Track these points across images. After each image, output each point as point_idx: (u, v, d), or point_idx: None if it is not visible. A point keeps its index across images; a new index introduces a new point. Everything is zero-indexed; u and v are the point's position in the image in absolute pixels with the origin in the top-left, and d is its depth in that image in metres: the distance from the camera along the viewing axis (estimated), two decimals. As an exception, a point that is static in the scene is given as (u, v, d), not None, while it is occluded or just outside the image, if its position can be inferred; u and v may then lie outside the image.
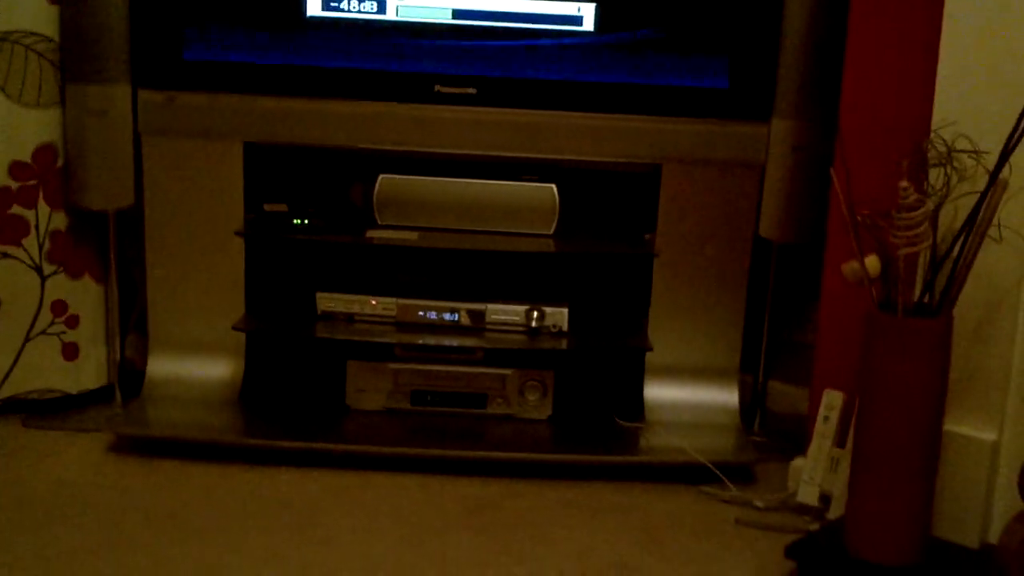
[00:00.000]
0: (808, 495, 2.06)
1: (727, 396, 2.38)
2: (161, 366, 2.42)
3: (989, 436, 1.84)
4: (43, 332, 2.38)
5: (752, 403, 2.46)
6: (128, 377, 2.48)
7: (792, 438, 2.31)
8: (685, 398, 2.38)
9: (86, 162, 2.32)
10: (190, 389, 2.39)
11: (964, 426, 1.86)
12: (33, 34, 2.26)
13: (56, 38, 2.29)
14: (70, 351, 2.42)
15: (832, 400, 2.06)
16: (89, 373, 2.46)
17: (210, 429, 2.29)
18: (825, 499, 2.04)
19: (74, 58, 2.28)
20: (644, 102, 2.29)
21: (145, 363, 2.43)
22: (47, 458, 2.23)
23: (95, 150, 2.31)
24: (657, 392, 2.39)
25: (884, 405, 1.77)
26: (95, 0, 2.24)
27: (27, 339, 2.37)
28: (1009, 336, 1.82)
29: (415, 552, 1.91)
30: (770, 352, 2.45)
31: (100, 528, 1.95)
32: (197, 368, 2.41)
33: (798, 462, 2.13)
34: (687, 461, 2.20)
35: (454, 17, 2.28)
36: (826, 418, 2.06)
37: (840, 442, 2.03)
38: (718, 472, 2.18)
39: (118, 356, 2.48)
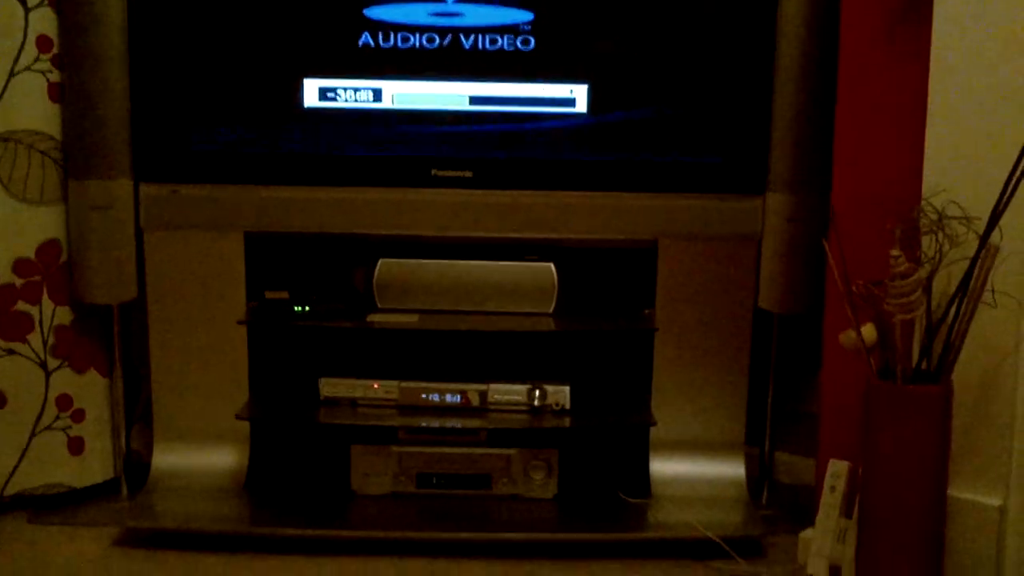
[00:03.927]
0: (817, 567, 2.04)
1: (733, 469, 2.37)
2: (166, 457, 2.42)
3: (995, 501, 1.84)
4: (48, 427, 2.39)
5: (759, 475, 2.45)
6: (135, 469, 2.48)
7: (801, 509, 2.29)
8: (691, 472, 2.37)
9: (89, 257, 2.34)
10: (196, 479, 2.39)
11: (969, 491, 1.86)
12: (36, 133, 2.30)
13: (58, 136, 2.32)
14: (76, 445, 2.42)
15: (838, 470, 2.05)
16: (95, 467, 2.46)
17: (216, 519, 2.28)
18: (835, 570, 2.02)
19: (76, 155, 2.31)
20: (637, 179, 2.32)
21: (151, 454, 2.43)
22: (54, 554, 2.22)
23: (98, 245, 2.34)
24: (663, 467, 2.38)
25: (887, 473, 1.77)
26: (96, 99, 2.28)
27: (33, 435, 2.37)
28: (1009, 399, 1.82)
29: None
30: (775, 423, 2.45)
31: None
32: (202, 458, 2.41)
33: (806, 534, 2.11)
34: (695, 536, 2.18)
35: (466, 104, 2.32)
36: (832, 488, 2.05)
37: (848, 512, 2.02)
38: (727, 547, 2.16)
39: (124, 449, 2.48)
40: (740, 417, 2.37)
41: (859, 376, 1.84)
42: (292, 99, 2.33)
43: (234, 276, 2.38)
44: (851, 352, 1.83)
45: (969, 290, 1.74)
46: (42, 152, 2.32)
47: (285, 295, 2.43)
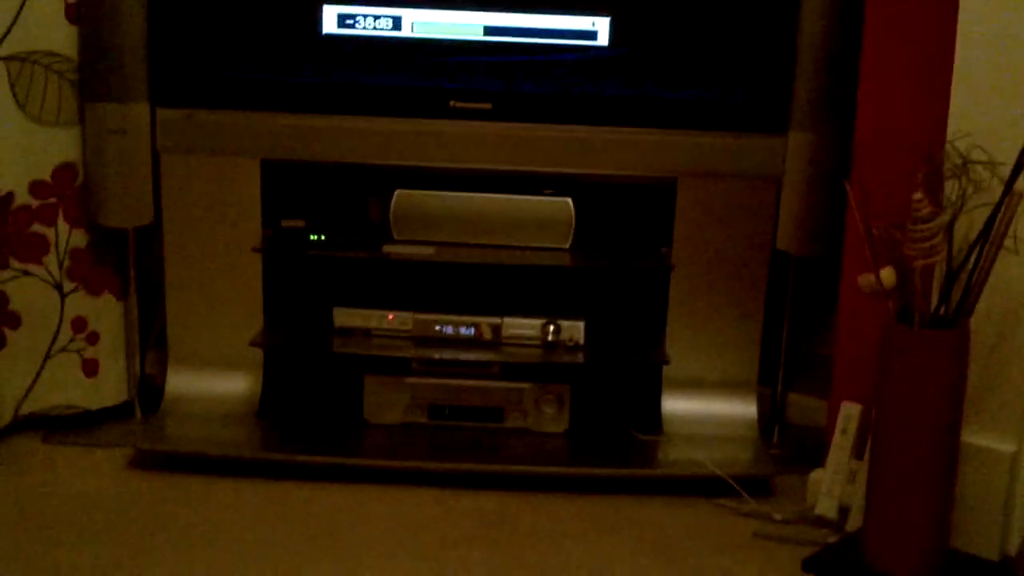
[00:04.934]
0: (826, 508, 2.06)
1: (745, 408, 2.38)
2: (180, 382, 2.43)
3: (1008, 448, 1.83)
4: (63, 349, 2.39)
5: (771, 416, 2.45)
6: (148, 393, 2.49)
7: (811, 450, 2.29)
8: (703, 411, 2.37)
9: (105, 180, 2.34)
10: (209, 404, 2.40)
11: (983, 438, 1.85)
12: (52, 54, 2.28)
13: (75, 58, 2.30)
14: (90, 367, 2.43)
15: (850, 412, 2.05)
16: (109, 389, 2.47)
17: (229, 444, 2.31)
18: (844, 511, 2.04)
19: (93, 77, 2.30)
20: (659, 115, 2.30)
21: (165, 379, 2.44)
22: (67, 473, 2.24)
23: (114, 168, 2.33)
24: (675, 405, 2.39)
25: (901, 417, 1.76)
26: (113, 20, 2.26)
27: (47, 356, 2.38)
28: (1027, 347, 1.81)
29: (431, 566, 1.92)
30: (789, 364, 2.45)
31: (119, 542, 1.97)
32: (216, 383, 2.42)
33: (816, 475, 2.12)
34: (705, 474, 2.19)
35: (485, 34, 2.29)
36: (844, 430, 2.06)
37: (858, 454, 2.03)
38: (736, 485, 2.17)
39: (138, 372, 2.49)
40: (754, 357, 2.37)
41: (875, 319, 1.84)
42: (311, 26, 2.30)
43: (250, 203, 2.37)
44: (868, 295, 1.82)
45: (991, 236, 1.72)
46: (59, 73, 2.30)
47: (301, 224, 2.42)
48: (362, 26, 2.29)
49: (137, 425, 2.45)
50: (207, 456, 2.25)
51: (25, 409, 2.37)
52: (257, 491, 2.17)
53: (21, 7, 2.23)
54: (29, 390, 2.37)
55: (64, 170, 2.34)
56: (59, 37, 2.29)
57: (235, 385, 2.42)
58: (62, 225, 2.36)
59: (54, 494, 2.15)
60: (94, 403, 2.45)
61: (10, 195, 2.28)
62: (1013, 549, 1.81)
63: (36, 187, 2.31)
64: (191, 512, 2.09)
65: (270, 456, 2.27)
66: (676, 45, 2.29)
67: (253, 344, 2.39)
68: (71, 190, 2.35)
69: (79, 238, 2.38)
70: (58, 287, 2.37)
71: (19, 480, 2.21)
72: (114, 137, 2.31)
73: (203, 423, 2.37)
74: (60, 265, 2.37)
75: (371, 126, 2.32)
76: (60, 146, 2.33)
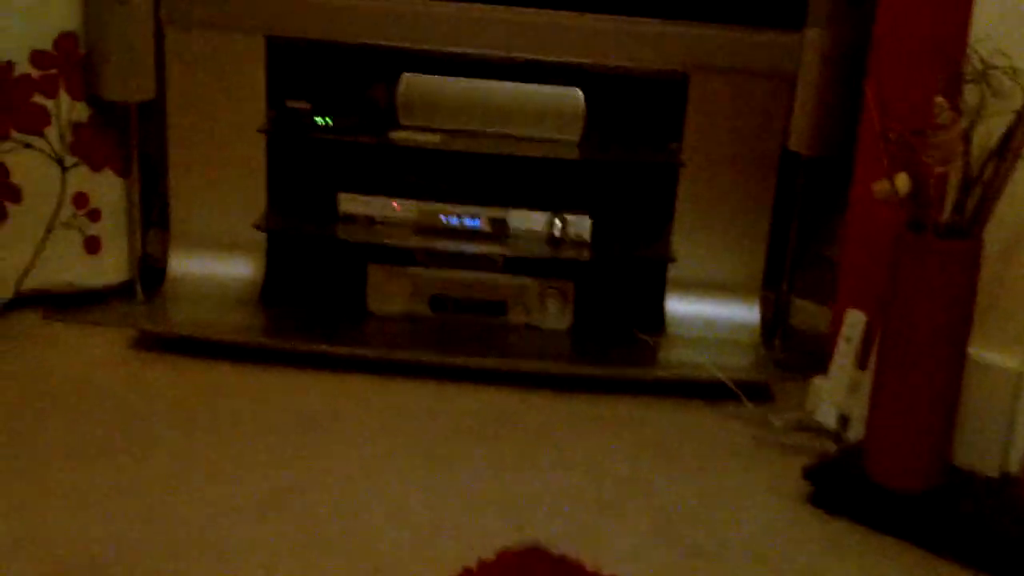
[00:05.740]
0: (826, 416, 2.04)
1: (749, 312, 2.35)
2: (182, 263, 2.41)
3: (1014, 365, 1.81)
4: (65, 225, 2.37)
5: (774, 320, 2.42)
6: (149, 272, 2.47)
7: (813, 357, 2.26)
8: (706, 312, 2.35)
9: (107, 52, 2.29)
10: (210, 287, 2.39)
11: (989, 353, 1.83)
12: (55, -79, 2.22)
13: (78, -75, 2.25)
14: (92, 245, 2.41)
15: (855, 320, 2.03)
16: (110, 267, 2.45)
17: (230, 329, 2.30)
18: (843, 420, 2.02)
19: (95, -55, 2.24)
20: (674, 6, 2.23)
21: (166, 259, 2.42)
22: (68, 351, 2.24)
23: (116, 40, 2.28)
24: (678, 305, 2.36)
25: (909, 327, 1.74)
26: None
27: (48, 231, 2.35)
28: (1040, 261, 1.78)
29: (426, 460, 1.92)
30: (795, 268, 2.41)
31: (117, 421, 1.97)
32: (218, 266, 2.40)
33: (818, 382, 2.10)
34: (706, 377, 2.18)
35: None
36: (848, 339, 2.03)
37: (861, 363, 2.00)
38: (737, 390, 2.15)
39: (139, 251, 2.47)
40: (759, 260, 2.34)
41: (884, 227, 1.81)
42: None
43: (255, 82, 2.32)
44: (880, 202, 1.78)
45: (1011, 146, 1.67)
46: (61, -60, 2.25)
47: (307, 106, 2.38)
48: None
49: (138, 305, 2.43)
50: (208, 340, 2.24)
51: (26, 285, 2.35)
52: (257, 377, 2.17)
53: None
54: (30, 266, 2.35)
55: (66, 40, 2.28)
56: (63, -95, 2.23)
57: (238, 268, 2.40)
58: (64, 97, 2.31)
59: (54, 371, 2.15)
60: (96, 281, 2.43)
61: (9, 64, 2.23)
62: (1015, 466, 1.79)
63: (37, 57, 2.26)
64: (188, 394, 2.09)
65: (270, 343, 2.26)
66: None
67: (256, 227, 2.36)
68: (73, 61, 2.30)
69: (81, 112, 2.34)
70: (59, 161, 2.34)
71: (17, 357, 2.20)
72: (116, 8, 2.25)
73: (204, 306, 2.36)
74: (61, 139, 2.33)
75: (380, 6, 2.26)
76: (62, 15, 2.27)
